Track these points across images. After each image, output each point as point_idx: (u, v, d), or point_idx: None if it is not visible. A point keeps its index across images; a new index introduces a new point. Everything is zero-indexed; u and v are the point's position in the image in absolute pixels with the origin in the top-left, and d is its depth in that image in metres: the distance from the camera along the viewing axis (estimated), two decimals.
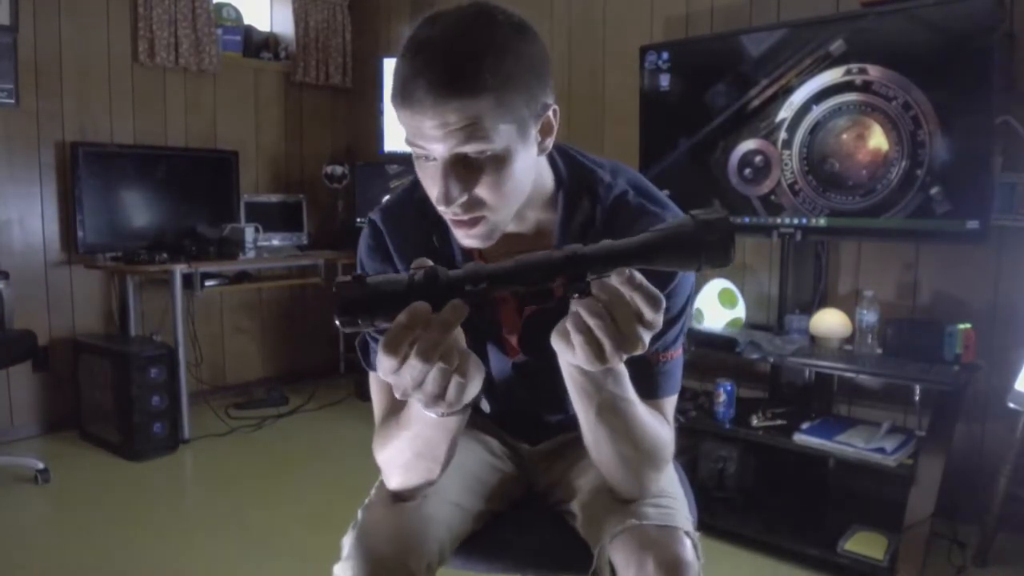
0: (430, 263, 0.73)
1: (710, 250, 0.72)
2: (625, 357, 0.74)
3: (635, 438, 0.91)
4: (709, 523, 2.28)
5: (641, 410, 0.90)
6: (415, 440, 0.91)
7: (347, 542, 0.98)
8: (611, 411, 0.87)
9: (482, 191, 0.85)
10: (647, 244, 0.72)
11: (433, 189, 0.87)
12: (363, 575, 0.92)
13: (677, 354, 1.00)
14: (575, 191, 0.99)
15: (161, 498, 2.58)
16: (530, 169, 0.90)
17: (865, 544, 2.03)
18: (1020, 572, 2.06)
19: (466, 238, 0.90)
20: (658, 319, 0.72)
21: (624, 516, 0.95)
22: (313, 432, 3.33)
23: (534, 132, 0.88)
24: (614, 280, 0.71)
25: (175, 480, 2.78)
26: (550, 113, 0.89)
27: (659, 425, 0.95)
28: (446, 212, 0.88)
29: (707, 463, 2.45)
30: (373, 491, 1.06)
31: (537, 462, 1.20)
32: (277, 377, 4.00)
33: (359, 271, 1.01)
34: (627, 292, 0.71)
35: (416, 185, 1.01)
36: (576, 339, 0.74)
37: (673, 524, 0.95)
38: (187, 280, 3.16)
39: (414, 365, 0.70)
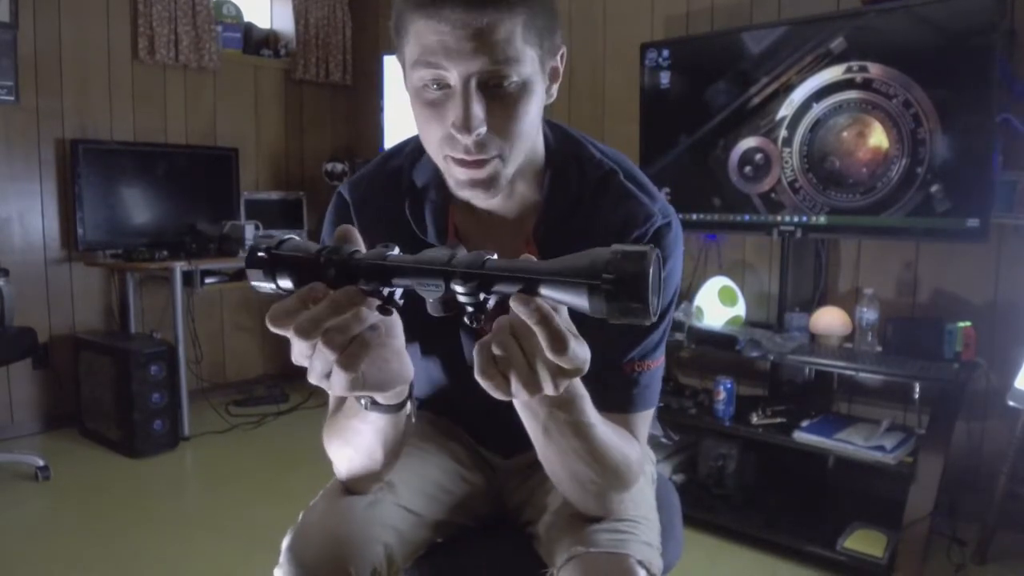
0: (351, 240, 0.68)
1: (615, 296, 0.57)
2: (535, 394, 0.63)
3: (592, 461, 0.80)
4: (709, 520, 2.29)
5: (601, 432, 0.79)
6: (351, 434, 0.85)
7: (283, 545, 0.91)
8: (562, 433, 0.76)
9: (499, 124, 0.77)
10: (556, 271, 0.59)
11: (443, 121, 0.78)
12: None
13: (656, 364, 0.91)
14: (562, 163, 0.92)
15: (161, 495, 2.59)
16: (539, 115, 0.82)
17: (865, 542, 2.04)
18: (1020, 570, 2.06)
19: (470, 185, 0.82)
20: (568, 364, 0.61)
21: (574, 543, 0.87)
22: (313, 429, 3.32)
23: (547, 71, 0.82)
24: (513, 304, 0.60)
25: (175, 477, 2.78)
26: (559, 56, 0.83)
27: (624, 444, 0.84)
28: (454, 148, 0.79)
29: (707, 461, 2.45)
30: (320, 493, 0.98)
31: (509, 477, 1.11)
32: (277, 374, 4.00)
33: (322, 243, 0.96)
34: (530, 322, 0.60)
35: (389, 157, 0.95)
36: (478, 361, 0.63)
37: (623, 552, 0.85)
38: (187, 277, 3.16)
39: (294, 338, 0.65)
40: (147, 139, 3.48)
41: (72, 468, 2.79)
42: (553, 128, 0.94)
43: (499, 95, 0.77)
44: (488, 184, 0.82)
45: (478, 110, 0.75)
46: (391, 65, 3.64)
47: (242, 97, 3.89)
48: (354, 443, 0.86)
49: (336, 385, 0.66)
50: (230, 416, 3.45)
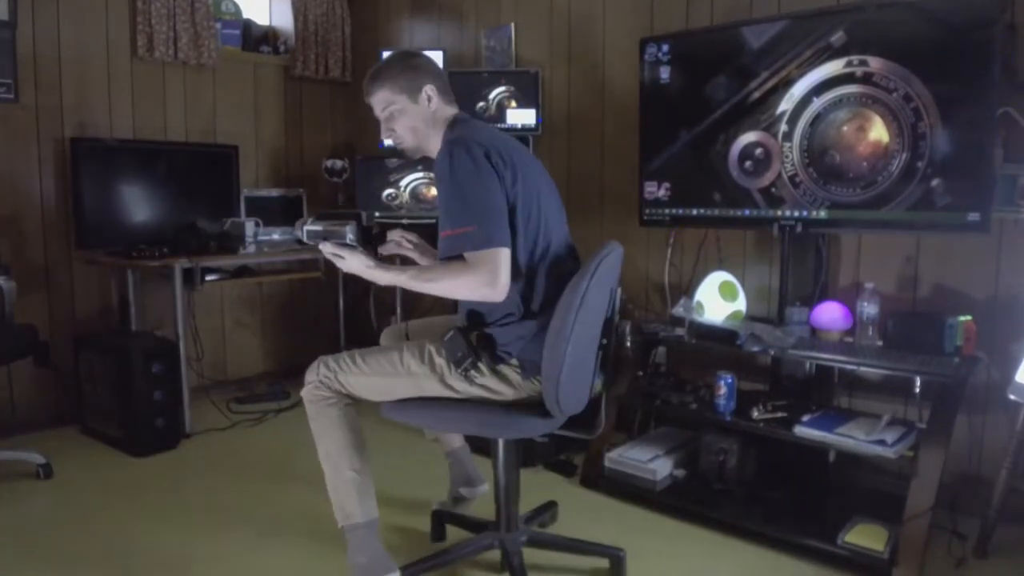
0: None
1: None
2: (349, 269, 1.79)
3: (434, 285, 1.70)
4: (710, 515, 2.29)
5: (431, 271, 1.75)
6: None
7: None
8: (415, 280, 1.73)
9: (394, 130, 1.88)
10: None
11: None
12: None
13: (452, 232, 1.64)
14: (444, 140, 1.82)
15: (163, 492, 2.59)
16: (416, 119, 1.84)
17: (866, 536, 2.04)
18: (1020, 564, 2.06)
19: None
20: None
21: None
22: None
23: (421, 98, 1.83)
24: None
25: (177, 475, 2.78)
26: (425, 90, 1.83)
27: (447, 268, 1.67)
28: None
29: (708, 455, 2.45)
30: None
31: None
32: (278, 371, 4.01)
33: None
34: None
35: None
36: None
37: None
38: (188, 275, 3.16)
39: None
40: (147, 136, 3.48)
41: (74, 466, 2.79)
42: (460, 120, 1.86)
43: (387, 119, 1.88)
44: (402, 149, 1.90)
45: (382, 129, 1.89)
46: None
47: (241, 94, 3.89)
48: None
49: None
50: (231, 413, 3.46)
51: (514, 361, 1.74)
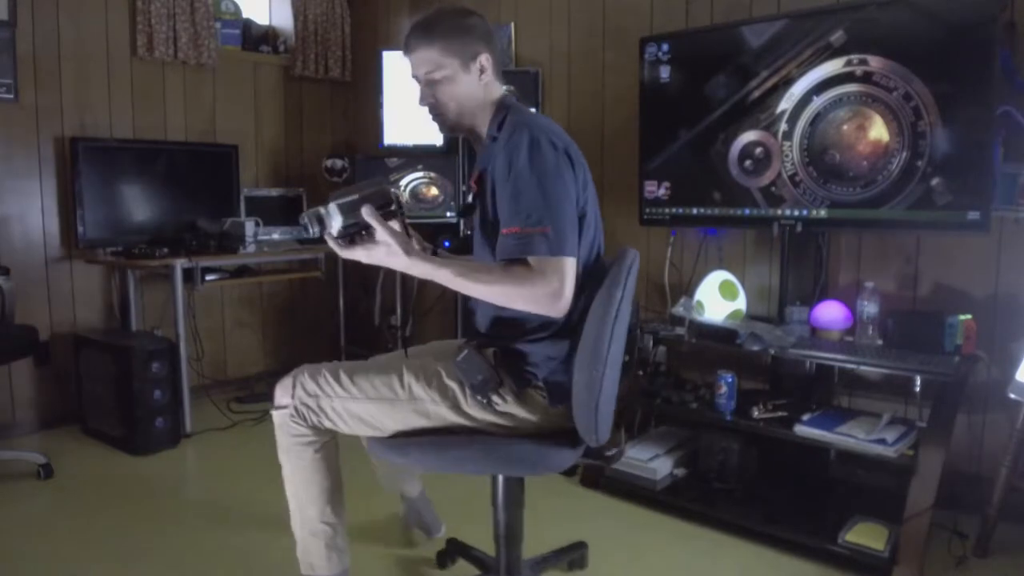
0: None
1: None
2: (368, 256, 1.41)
3: (481, 285, 1.40)
4: (710, 514, 2.29)
5: (477, 270, 1.42)
6: None
7: None
8: (461, 276, 1.40)
9: (436, 97, 1.57)
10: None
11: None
12: None
13: (507, 230, 1.40)
14: (503, 119, 1.54)
15: (163, 492, 2.59)
16: (467, 89, 1.55)
17: (866, 535, 2.04)
18: (1021, 562, 2.06)
19: (434, 122, 1.62)
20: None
21: None
22: None
23: (473, 67, 1.55)
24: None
25: (177, 474, 2.78)
26: (480, 59, 1.55)
27: (502, 271, 1.39)
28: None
29: (708, 455, 2.45)
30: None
31: None
32: (278, 371, 3.99)
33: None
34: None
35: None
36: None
37: None
38: (187, 274, 3.16)
39: None
40: (146, 136, 3.48)
41: (74, 466, 2.79)
42: (513, 103, 1.59)
43: (430, 83, 1.55)
44: (439, 122, 1.60)
45: (421, 93, 1.58)
46: (390, 61, 3.63)
47: (241, 94, 3.88)
48: None
49: None
50: (231, 413, 3.46)
51: (540, 383, 1.50)
